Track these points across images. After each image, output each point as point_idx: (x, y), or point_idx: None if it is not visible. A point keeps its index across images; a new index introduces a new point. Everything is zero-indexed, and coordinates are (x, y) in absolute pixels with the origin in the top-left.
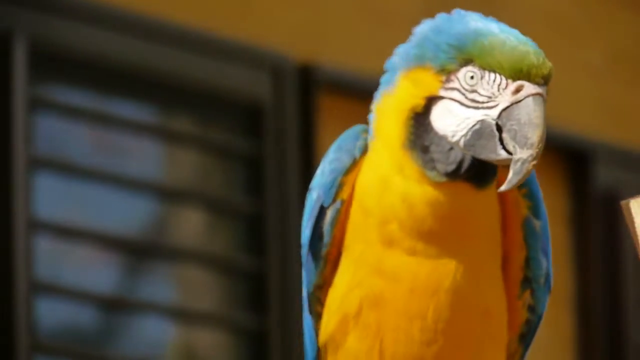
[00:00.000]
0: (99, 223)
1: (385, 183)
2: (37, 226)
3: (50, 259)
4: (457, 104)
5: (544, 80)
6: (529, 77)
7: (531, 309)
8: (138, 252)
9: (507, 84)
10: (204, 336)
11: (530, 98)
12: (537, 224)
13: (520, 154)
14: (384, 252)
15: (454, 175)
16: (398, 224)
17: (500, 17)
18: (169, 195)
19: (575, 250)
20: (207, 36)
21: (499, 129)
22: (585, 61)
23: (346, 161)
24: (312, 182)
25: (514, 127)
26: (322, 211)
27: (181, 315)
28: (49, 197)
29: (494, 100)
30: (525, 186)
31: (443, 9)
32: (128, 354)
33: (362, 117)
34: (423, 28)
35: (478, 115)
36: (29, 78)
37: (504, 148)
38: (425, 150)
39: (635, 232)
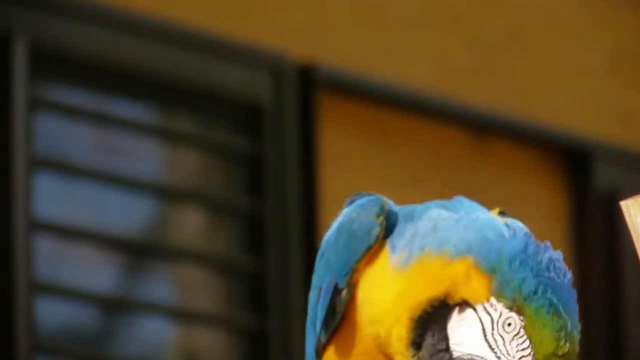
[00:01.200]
0: (99, 223)
1: (382, 318)
2: (37, 226)
3: (50, 259)
4: (480, 327)
5: None
6: (544, 355)
7: None
8: (138, 252)
9: None
10: (203, 336)
11: None
12: None
13: None
14: (377, 353)
15: None
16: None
17: (501, 17)
18: (169, 195)
19: (575, 250)
20: (207, 36)
21: None
22: (586, 61)
23: (360, 248)
24: (325, 242)
25: None
26: (336, 289)
27: (181, 315)
28: (49, 197)
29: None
30: None
31: (442, 10)
32: (128, 354)
33: (362, 117)
34: (493, 230)
35: (489, 354)
36: (29, 78)
37: None
38: (421, 334)
39: (634, 232)
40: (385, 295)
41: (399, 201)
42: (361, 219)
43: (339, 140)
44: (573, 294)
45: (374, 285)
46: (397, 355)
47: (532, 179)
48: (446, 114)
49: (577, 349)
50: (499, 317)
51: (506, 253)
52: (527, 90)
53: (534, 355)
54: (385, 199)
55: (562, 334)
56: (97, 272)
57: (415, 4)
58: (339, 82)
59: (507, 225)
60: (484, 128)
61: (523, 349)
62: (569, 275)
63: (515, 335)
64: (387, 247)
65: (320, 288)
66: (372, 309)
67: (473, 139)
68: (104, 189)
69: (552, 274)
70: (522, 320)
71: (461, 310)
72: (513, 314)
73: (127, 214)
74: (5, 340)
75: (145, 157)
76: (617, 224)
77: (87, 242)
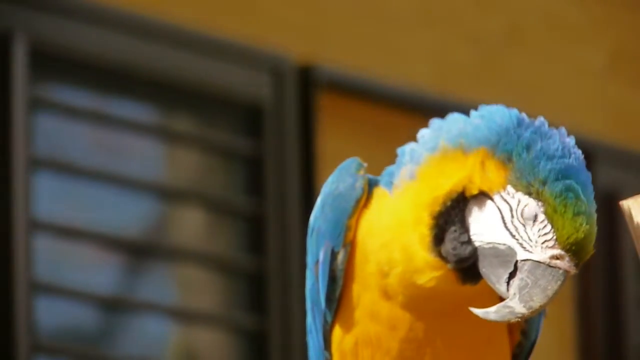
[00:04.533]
0: (99, 223)
1: (394, 240)
2: (37, 226)
3: (50, 259)
4: (499, 216)
5: (580, 263)
6: (572, 253)
7: (523, 333)
8: (138, 252)
9: (553, 245)
10: (204, 336)
11: (560, 271)
12: None
13: (514, 305)
14: (380, 299)
15: (454, 263)
16: (396, 281)
17: (501, 17)
18: (169, 195)
19: None
20: (207, 36)
21: (516, 267)
22: (586, 61)
23: (349, 204)
24: (312, 218)
25: (528, 280)
26: (333, 255)
27: (181, 315)
28: (49, 197)
29: (530, 245)
30: None
31: (442, 10)
32: (128, 354)
33: (362, 117)
34: (507, 118)
35: (510, 241)
36: (29, 78)
37: (507, 283)
38: (442, 228)
39: (634, 232)
40: (398, 211)
41: None
42: (342, 177)
43: (339, 140)
44: (589, 177)
45: (378, 221)
46: (417, 274)
47: None
48: (446, 114)
49: (595, 230)
50: (518, 205)
51: (522, 140)
52: (527, 90)
53: (556, 239)
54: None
55: (583, 217)
56: (97, 272)
57: (415, 4)
58: (339, 82)
59: (520, 113)
60: None
61: (545, 234)
62: (583, 158)
63: (535, 220)
64: (380, 191)
65: (317, 261)
66: (382, 237)
67: None
68: (104, 189)
69: (569, 159)
70: (541, 206)
71: (480, 202)
72: (531, 200)
73: (127, 214)
74: (5, 340)
75: (145, 157)
76: (617, 223)
77: (87, 242)
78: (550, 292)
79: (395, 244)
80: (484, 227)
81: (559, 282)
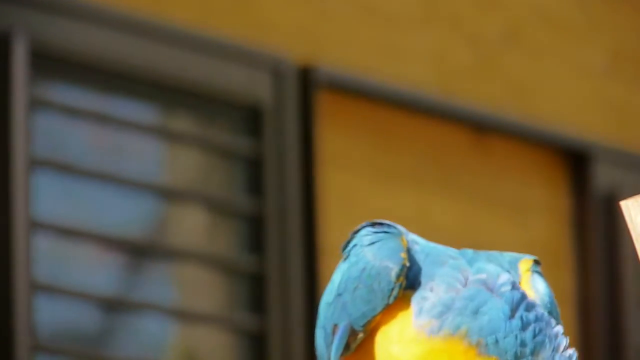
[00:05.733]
0: (99, 223)
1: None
2: (37, 226)
3: (50, 259)
4: None
5: None
6: None
7: None
8: (138, 252)
9: None
10: (204, 336)
11: None
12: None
13: None
14: None
15: None
16: None
17: (501, 17)
18: (169, 195)
19: (576, 250)
20: (207, 36)
21: None
22: (586, 61)
23: (379, 307)
24: (341, 282)
25: None
26: (352, 332)
27: (181, 315)
28: (49, 197)
29: None
30: None
31: (442, 10)
32: (128, 354)
33: (362, 117)
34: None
35: None
36: (29, 78)
37: None
38: None
39: (634, 232)
40: (403, 355)
41: (399, 201)
42: (381, 278)
43: (339, 140)
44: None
45: (394, 335)
46: None
47: (532, 179)
48: (446, 114)
49: None
50: None
51: None
52: (527, 90)
53: None
54: (404, 238)
55: None
56: (97, 272)
57: (415, 4)
58: (338, 82)
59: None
60: (484, 128)
61: None
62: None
63: None
64: (411, 305)
65: (336, 325)
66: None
67: (473, 138)
68: (104, 189)
69: None
70: None
71: None
72: None
73: (127, 214)
74: (5, 340)
75: (145, 157)
76: (617, 224)
77: (87, 242)
78: None
79: None
80: None
81: None
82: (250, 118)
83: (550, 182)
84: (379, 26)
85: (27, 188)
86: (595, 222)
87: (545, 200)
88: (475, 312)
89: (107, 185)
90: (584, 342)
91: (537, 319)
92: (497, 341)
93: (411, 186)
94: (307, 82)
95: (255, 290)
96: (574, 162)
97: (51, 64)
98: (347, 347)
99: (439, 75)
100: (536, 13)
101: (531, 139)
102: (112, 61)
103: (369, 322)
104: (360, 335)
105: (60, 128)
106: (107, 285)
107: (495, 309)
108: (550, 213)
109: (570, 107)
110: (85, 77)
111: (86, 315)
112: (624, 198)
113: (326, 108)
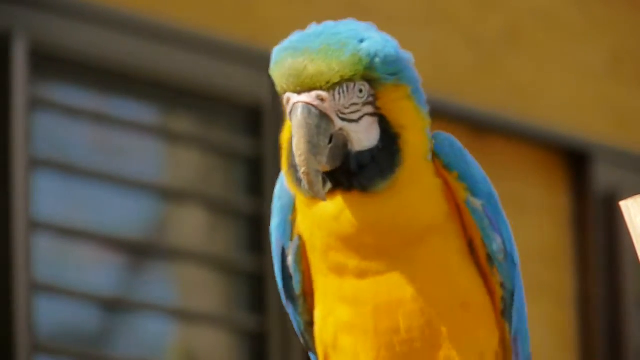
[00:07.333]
0: (99, 223)
1: (305, 215)
2: (37, 226)
3: (50, 259)
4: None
5: (310, 88)
6: (292, 88)
7: (501, 285)
8: (138, 252)
9: (287, 99)
10: (204, 336)
11: (299, 108)
12: (477, 202)
13: (299, 168)
14: (338, 279)
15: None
16: (333, 250)
17: (501, 17)
18: (169, 195)
19: (576, 250)
20: (208, 36)
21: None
22: (586, 61)
23: (288, 198)
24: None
25: (294, 140)
26: (284, 252)
27: (181, 315)
28: (49, 197)
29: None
30: (454, 169)
31: (441, 10)
32: (128, 354)
33: None
34: None
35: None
36: (29, 78)
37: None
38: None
39: (634, 232)
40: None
41: None
42: (281, 186)
43: None
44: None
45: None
46: (324, 221)
47: (532, 179)
48: (445, 114)
49: (321, 59)
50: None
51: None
52: (527, 90)
53: (282, 92)
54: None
55: (285, 53)
56: (97, 272)
57: (415, 4)
58: None
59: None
60: (483, 128)
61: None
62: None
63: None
64: None
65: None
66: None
67: (473, 138)
68: (104, 189)
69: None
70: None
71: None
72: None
73: (127, 214)
74: (5, 340)
75: (145, 157)
76: (617, 223)
77: (87, 242)
78: (301, 131)
79: (306, 215)
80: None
81: (303, 117)
82: (250, 118)
83: (550, 182)
84: (379, 26)
85: (27, 188)
86: (595, 222)
87: (546, 200)
88: None
89: (107, 186)
90: (584, 341)
91: None
92: None
93: None
94: None
95: (255, 290)
96: (574, 162)
97: (51, 64)
98: (290, 277)
99: (438, 75)
100: (536, 13)
101: (531, 139)
102: (112, 61)
103: (287, 221)
104: (291, 250)
105: (60, 128)
106: (107, 285)
107: None
108: (550, 213)
109: (570, 107)
110: (85, 77)
111: (86, 315)
112: (624, 198)
113: None
